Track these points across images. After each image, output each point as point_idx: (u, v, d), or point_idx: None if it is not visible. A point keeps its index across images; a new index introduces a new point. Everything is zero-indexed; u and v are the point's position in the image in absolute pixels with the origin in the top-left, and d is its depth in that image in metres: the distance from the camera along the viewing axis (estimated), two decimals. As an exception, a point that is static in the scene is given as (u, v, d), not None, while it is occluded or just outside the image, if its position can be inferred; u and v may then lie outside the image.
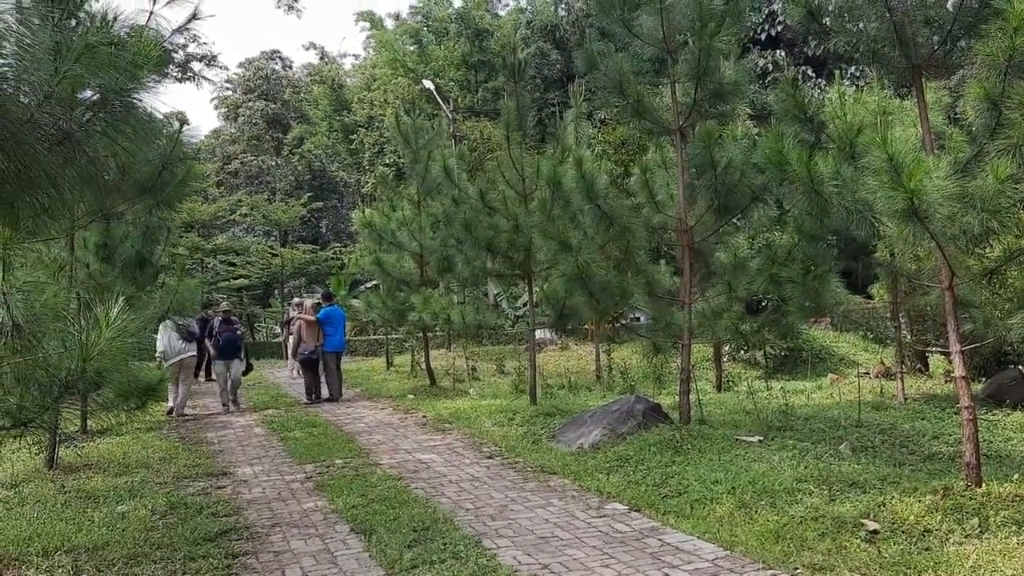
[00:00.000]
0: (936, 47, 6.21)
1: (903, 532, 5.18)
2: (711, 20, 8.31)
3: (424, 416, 11.97)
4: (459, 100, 39.25)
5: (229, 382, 13.85)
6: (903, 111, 11.41)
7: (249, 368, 15.34)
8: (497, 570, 5.06)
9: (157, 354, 12.82)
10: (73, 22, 6.19)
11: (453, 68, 41.88)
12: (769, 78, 25.82)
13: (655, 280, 9.52)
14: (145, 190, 8.03)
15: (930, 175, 4.88)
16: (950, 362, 6.44)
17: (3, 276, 3.96)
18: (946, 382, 12.14)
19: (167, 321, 11.04)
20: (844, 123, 6.36)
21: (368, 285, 23.98)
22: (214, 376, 14.98)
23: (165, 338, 12.75)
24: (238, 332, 14.42)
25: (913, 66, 6.25)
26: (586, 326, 18.48)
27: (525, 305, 20.91)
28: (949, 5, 6.25)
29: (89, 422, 9.67)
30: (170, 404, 13.13)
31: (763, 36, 28.27)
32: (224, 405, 13.75)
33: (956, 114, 12.64)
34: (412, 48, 44.74)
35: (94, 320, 4.39)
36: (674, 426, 8.75)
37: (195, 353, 13.70)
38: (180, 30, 7.39)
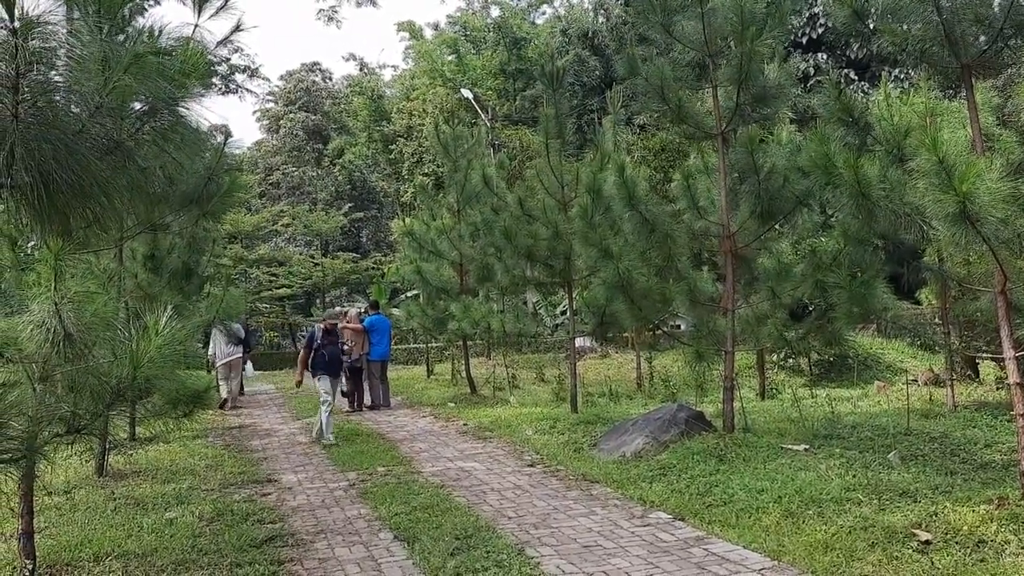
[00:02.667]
0: (986, 46, 6.08)
1: (956, 543, 5.05)
2: (753, 24, 8.23)
3: (465, 424, 11.97)
4: (497, 109, 39.36)
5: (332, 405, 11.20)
6: (950, 112, 11.19)
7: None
8: (541, 579, 5.03)
9: (209, 355, 15.13)
10: (121, 37, 6.32)
11: (491, 77, 42.04)
12: (811, 82, 25.46)
13: (697, 287, 9.41)
14: (191, 201, 8.13)
15: (983, 177, 4.76)
16: (1002, 368, 6.27)
17: (55, 287, 4.03)
18: (998, 389, 11.85)
19: (215, 328, 12.05)
20: (891, 125, 6.24)
21: (408, 294, 24.11)
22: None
23: (215, 343, 14.81)
24: (343, 347, 12.16)
25: (962, 66, 6.12)
26: (626, 334, 18.40)
27: (565, 313, 20.85)
28: (995, 6, 6.11)
29: (137, 429, 9.90)
30: (224, 396, 14.78)
31: (804, 39, 27.91)
32: (327, 431, 10.79)
33: (1005, 115, 12.35)
34: (450, 58, 44.98)
35: (143, 329, 4.46)
36: (718, 434, 8.64)
37: (241, 355, 15.54)
38: (224, 41, 7.53)
